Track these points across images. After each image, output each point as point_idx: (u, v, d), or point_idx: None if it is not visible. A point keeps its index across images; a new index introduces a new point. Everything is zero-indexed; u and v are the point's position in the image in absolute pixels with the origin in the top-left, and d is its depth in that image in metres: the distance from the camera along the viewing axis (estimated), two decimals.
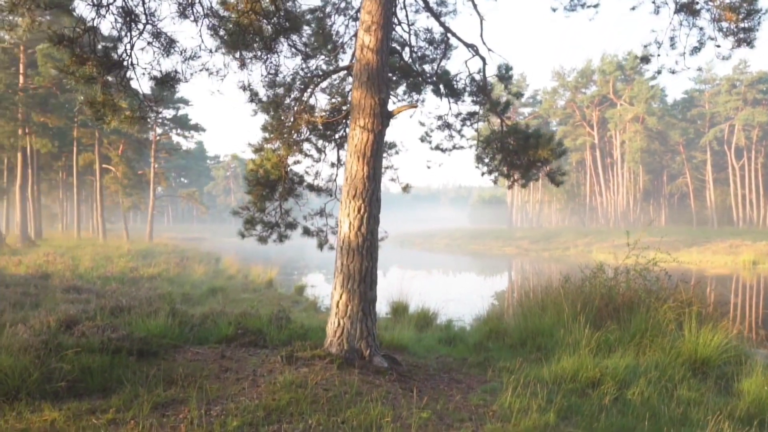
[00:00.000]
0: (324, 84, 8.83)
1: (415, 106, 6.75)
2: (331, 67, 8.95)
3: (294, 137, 8.21)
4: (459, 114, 9.30)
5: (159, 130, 45.34)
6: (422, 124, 9.63)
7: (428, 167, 9.54)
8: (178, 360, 6.65)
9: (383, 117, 6.82)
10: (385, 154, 9.41)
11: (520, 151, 8.11)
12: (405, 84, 9.76)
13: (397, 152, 9.51)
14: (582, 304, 10.33)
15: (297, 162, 8.64)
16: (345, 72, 8.07)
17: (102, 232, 41.32)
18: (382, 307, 16.12)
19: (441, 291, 23.54)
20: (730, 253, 41.16)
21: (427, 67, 9.67)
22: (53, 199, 69.68)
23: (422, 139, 9.68)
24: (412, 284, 23.36)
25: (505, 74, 8.63)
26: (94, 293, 13.64)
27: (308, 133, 8.47)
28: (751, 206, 71.93)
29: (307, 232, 8.64)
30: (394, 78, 9.65)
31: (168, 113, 44.23)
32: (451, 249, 66.25)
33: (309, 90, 7.75)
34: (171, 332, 8.06)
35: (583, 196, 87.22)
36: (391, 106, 7.15)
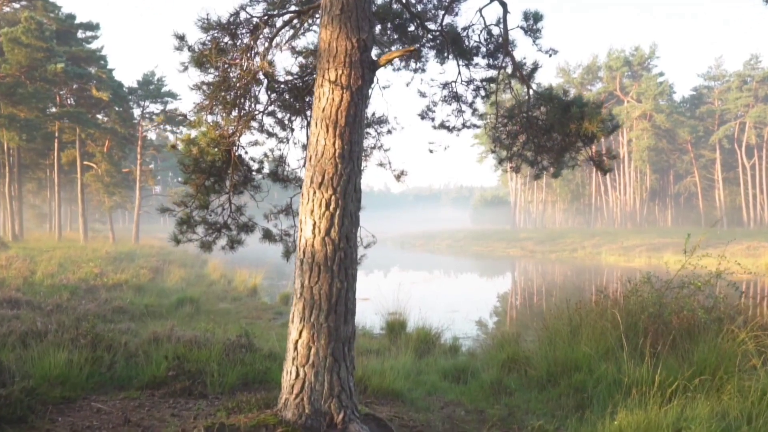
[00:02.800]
0: (292, 40, 6.63)
1: (413, 50, 4.56)
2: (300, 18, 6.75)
3: (247, 107, 6.01)
4: (471, 81, 7.09)
5: (146, 125, 43.04)
6: (423, 95, 7.42)
7: (431, 150, 7.40)
8: (58, 428, 4.45)
9: (364, 68, 4.62)
10: (371, 131, 7.21)
11: (555, 125, 5.91)
12: (400, 45, 7.56)
13: (389, 131, 7.30)
14: (626, 327, 8.16)
15: (255, 143, 6.45)
16: (314, 13, 5.86)
17: (84, 233, 39.04)
18: (376, 322, 13.92)
19: (444, 299, 21.34)
20: (749, 256, 38.93)
21: (430, 26, 7.48)
22: (43, 198, 67.65)
23: (423, 116, 7.48)
24: (412, 291, 21.14)
25: (532, 25, 6.44)
26: (33, 307, 11.47)
27: (270, 103, 6.28)
28: (761, 207, 69.62)
29: (268, 236, 6.45)
30: (385, 38, 7.46)
31: (155, 108, 41.98)
32: (454, 250, 64.04)
33: (263, 38, 5.57)
34: (77, 374, 5.87)
35: (588, 196, 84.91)
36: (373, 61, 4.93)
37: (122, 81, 38.75)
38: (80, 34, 37.57)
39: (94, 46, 38.14)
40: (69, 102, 37.85)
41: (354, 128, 4.59)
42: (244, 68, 5.34)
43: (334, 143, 4.53)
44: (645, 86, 70.54)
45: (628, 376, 6.01)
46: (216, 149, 5.35)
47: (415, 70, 7.86)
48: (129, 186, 43.79)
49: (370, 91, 7.20)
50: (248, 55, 5.26)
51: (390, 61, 4.72)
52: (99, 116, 39.36)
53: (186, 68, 5.42)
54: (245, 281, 21.73)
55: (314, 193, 4.53)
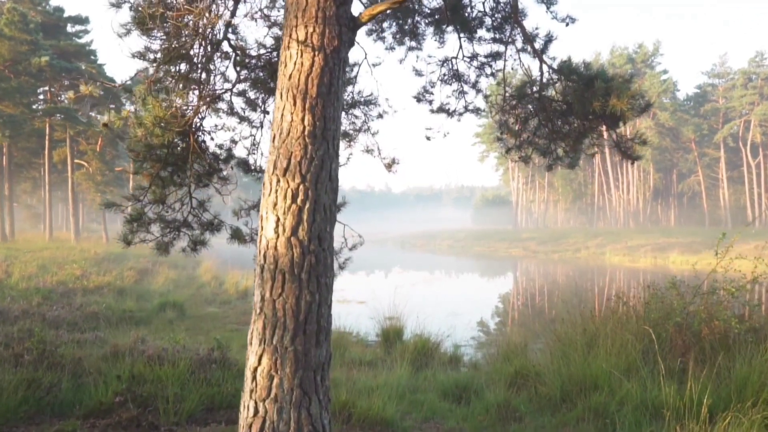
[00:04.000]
0: (267, 9, 5.69)
1: (402, 0, 3.61)
2: None
3: (211, 84, 5.08)
4: (474, 56, 6.15)
5: None
6: (419, 74, 6.48)
7: (428, 138, 6.45)
8: None
9: (342, 25, 3.69)
10: (358, 113, 6.26)
11: (575, 104, 4.98)
12: (392, 20, 6.63)
13: (380, 115, 6.36)
14: (649, 339, 7.23)
15: (223, 127, 5.52)
16: None
17: (75, 233, 38.12)
18: (371, 328, 12.98)
19: (445, 301, 20.40)
20: (759, 256, 37.89)
21: None
22: (39, 198, 66.91)
23: (419, 98, 6.54)
24: (411, 293, 20.17)
25: None
26: None
27: (239, 81, 5.35)
28: (767, 206, 68.58)
29: (236, 236, 5.52)
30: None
31: None
32: (455, 251, 63.12)
33: None
34: (7, 400, 4.94)
35: (591, 195, 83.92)
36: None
37: (114, 77, 37.81)
38: (69, 29, 36.64)
39: (83, 40, 37.19)
40: (60, 99, 36.93)
41: (329, 100, 3.65)
42: (199, 31, 4.42)
43: (302, 119, 3.60)
44: (648, 84, 69.50)
45: (667, 402, 5.04)
46: (166, 131, 4.42)
47: (411, 48, 6.93)
48: (122, 185, 42.84)
49: (357, 67, 6.28)
50: (206, 16, 4.34)
51: (374, 17, 3.79)
52: (92, 113, 38.39)
53: (128, 32, 4.49)
54: (237, 283, 20.81)
55: (278, 181, 3.59)
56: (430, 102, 6.51)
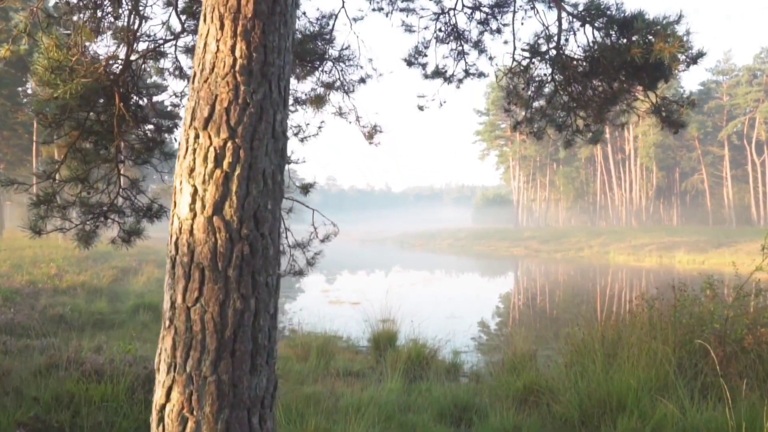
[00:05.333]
0: None
1: None
2: None
3: (150, 36, 4.00)
4: (476, 7, 5.06)
5: None
6: (409, 29, 5.39)
7: (420, 108, 5.38)
8: None
9: None
10: (334, 72, 5.13)
11: (605, 57, 3.89)
12: None
13: (362, 80, 5.28)
14: (684, 349, 6.17)
15: (166, 90, 4.43)
16: None
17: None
18: (366, 331, 11.87)
19: (444, 303, 19.30)
20: (766, 255, 36.80)
21: None
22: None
23: (410, 61, 5.46)
24: (410, 293, 19.09)
25: None
26: None
27: (183, 28, 4.28)
28: None
29: None
30: None
31: (141, 101, 39.69)
32: (455, 250, 62.07)
33: None
34: None
35: (593, 194, 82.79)
36: None
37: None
38: None
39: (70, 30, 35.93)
40: None
41: (271, 23, 2.57)
42: None
43: (233, 48, 2.51)
44: None
45: (690, 417, 3.97)
46: (67, 82, 3.32)
47: (401, 10, 5.84)
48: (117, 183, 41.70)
49: (333, 18, 5.20)
50: None
51: None
52: None
53: None
54: None
55: (196, 137, 2.51)
56: (424, 66, 5.42)
